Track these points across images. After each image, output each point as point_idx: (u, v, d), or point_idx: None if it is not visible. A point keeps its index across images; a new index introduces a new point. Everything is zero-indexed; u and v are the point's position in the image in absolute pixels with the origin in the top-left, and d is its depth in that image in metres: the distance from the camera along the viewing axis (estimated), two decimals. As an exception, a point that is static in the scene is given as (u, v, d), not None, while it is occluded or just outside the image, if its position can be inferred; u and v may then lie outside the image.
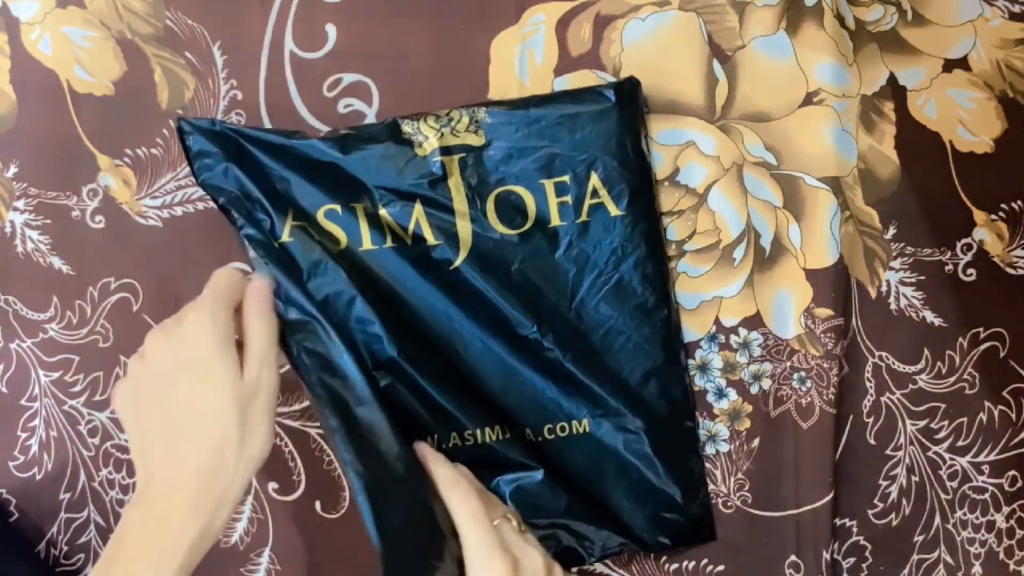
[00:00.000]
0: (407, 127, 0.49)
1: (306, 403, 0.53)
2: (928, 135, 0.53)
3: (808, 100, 0.51)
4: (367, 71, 0.52)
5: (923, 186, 0.53)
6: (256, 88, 0.52)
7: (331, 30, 0.52)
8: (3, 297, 0.54)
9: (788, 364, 0.52)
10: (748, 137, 0.52)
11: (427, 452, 0.46)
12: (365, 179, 0.48)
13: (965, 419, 0.54)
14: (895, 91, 0.52)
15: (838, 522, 0.53)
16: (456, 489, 0.43)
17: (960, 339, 0.54)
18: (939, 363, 0.54)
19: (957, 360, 0.54)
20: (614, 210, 0.49)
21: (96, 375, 0.54)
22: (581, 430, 0.50)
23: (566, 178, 0.49)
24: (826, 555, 0.53)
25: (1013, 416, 0.54)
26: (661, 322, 0.51)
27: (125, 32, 0.53)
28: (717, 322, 0.52)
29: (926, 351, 0.53)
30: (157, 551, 0.39)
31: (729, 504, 0.53)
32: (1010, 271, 0.54)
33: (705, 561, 0.53)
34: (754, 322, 0.52)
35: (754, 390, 0.53)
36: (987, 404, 0.54)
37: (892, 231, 0.53)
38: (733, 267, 0.52)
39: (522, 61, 0.52)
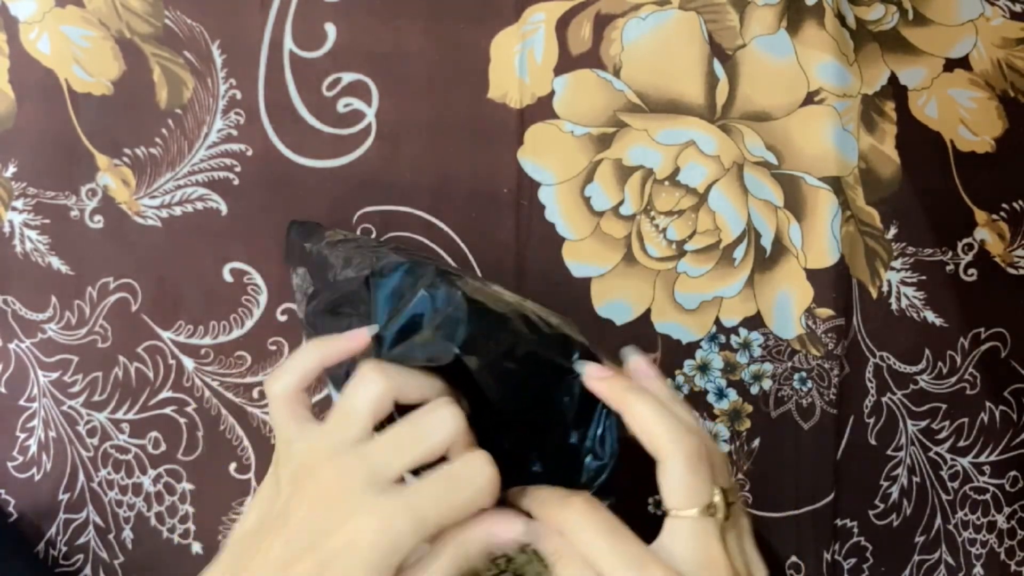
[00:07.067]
0: None
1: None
2: (929, 135, 0.52)
3: (809, 99, 0.51)
4: (366, 70, 0.52)
5: (924, 186, 0.53)
6: (255, 87, 0.52)
7: (330, 29, 0.52)
8: (2, 297, 0.54)
9: (789, 364, 0.52)
10: (749, 137, 0.51)
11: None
12: None
13: (966, 419, 0.54)
14: (896, 90, 0.52)
15: (839, 523, 0.53)
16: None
17: (961, 339, 0.53)
18: (940, 363, 0.53)
19: (958, 360, 0.53)
20: None
21: (95, 375, 0.54)
22: None
23: None
24: (827, 556, 0.53)
25: (1014, 416, 0.54)
26: None
27: (124, 31, 0.53)
28: (717, 322, 0.52)
29: (927, 351, 0.53)
30: None
31: (729, 505, 0.53)
32: (1011, 271, 0.53)
33: (705, 562, 0.53)
34: (755, 322, 0.52)
35: (755, 390, 0.53)
36: (988, 404, 0.54)
37: (893, 231, 0.53)
38: (733, 267, 0.52)
39: (522, 60, 0.51)
